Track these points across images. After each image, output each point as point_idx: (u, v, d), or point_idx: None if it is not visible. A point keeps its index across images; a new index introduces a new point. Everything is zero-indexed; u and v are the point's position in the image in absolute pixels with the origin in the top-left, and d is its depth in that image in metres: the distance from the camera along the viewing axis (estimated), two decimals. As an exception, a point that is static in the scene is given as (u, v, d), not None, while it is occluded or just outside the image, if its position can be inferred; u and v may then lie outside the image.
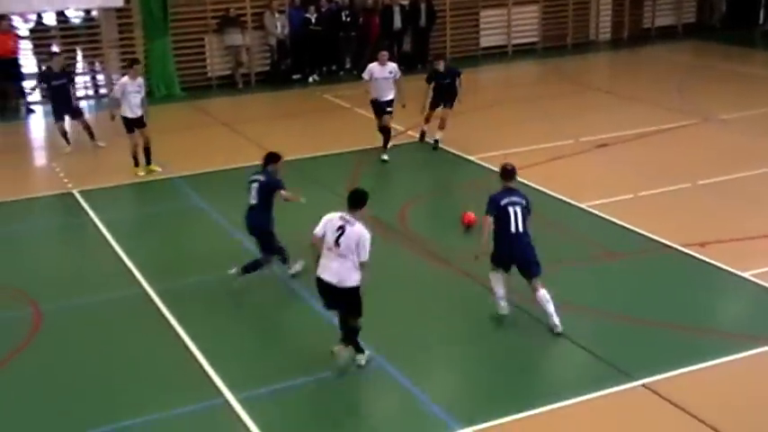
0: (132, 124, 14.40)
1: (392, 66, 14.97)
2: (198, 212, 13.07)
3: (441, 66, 15.46)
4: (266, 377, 8.45)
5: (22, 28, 21.00)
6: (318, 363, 8.47)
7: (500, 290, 9.33)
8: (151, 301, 10.10)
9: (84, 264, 11.45)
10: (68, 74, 16.90)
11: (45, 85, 16.87)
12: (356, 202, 8.34)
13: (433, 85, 15.40)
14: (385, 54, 15.09)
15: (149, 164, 14.69)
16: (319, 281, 8.37)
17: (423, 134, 15.91)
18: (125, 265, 11.09)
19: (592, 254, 11.05)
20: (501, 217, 9.03)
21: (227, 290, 10.12)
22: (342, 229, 8.18)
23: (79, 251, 12.00)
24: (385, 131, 14.98)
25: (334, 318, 8.69)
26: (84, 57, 21.45)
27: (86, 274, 11.11)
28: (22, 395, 8.34)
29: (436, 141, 15.48)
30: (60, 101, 16.02)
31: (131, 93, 14.18)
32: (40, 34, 20.82)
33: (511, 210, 9.01)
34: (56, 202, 13.75)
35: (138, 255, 11.33)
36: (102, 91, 21.24)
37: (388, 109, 14.85)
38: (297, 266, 10.41)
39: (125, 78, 14.39)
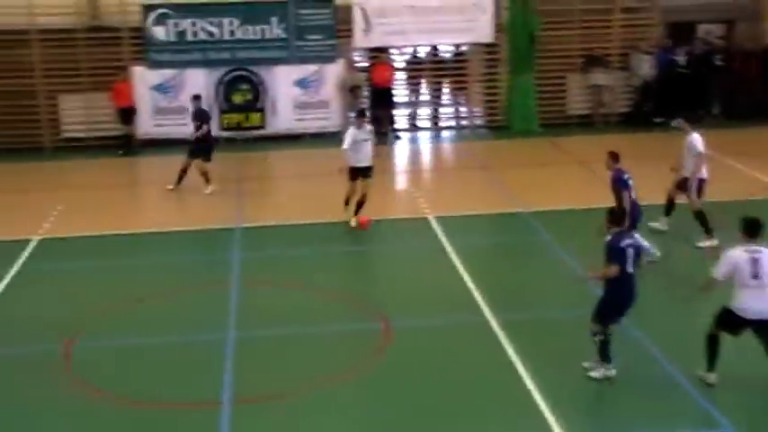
0: (359, 173, 13.96)
1: None
2: (545, 248, 13.06)
3: None
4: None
5: (398, 60, 22.56)
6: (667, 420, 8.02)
7: None
8: (492, 330, 10.23)
9: (433, 286, 11.88)
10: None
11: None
12: (756, 230, 8.49)
13: None
14: None
15: (356, 215, 14.04)
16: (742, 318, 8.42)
17: None
18: (470, 291, 11.36)
19: None
20: None
21: (571, 330, 9.95)
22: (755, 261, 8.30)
23: (429, 273, 12.49)
24: None
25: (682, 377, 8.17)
26: (451, 90, 22.50)
27: (434, 296, 11.54)
28: (371, 400, 8.83)
29: None
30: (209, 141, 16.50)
31: (361, 141, 13.87)
32: (412, 66, 22.28)
33: None
34: (412, 226, 14.46)
35: (483, 283, 11.56)
36: (464, 123, 22.19)
37: None
38: None
39: (352, 129, 14.07)
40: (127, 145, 19.78)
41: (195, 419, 8.46)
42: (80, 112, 20.06)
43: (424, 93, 22.66)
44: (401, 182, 18.37)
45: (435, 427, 8.31)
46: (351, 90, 20.26)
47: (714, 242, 12.43)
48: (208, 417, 8.43)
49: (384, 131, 20.91)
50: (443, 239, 13.33)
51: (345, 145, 13.80)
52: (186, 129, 20.01)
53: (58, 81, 19.85)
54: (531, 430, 8.17)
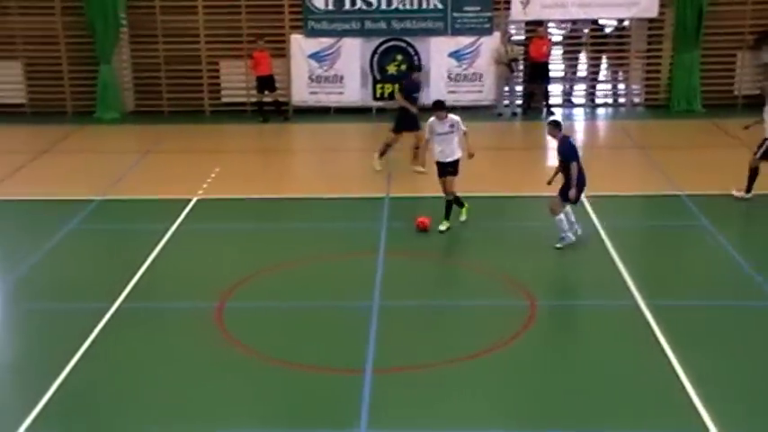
0: (445, 169, 12.71)
1: None
2: (702, 234, 12.50)
3: None
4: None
5: (556, 34, 22.04)
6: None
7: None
8: (642, 315, 9.89)
9: (582, 267, 11.60)
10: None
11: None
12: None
13: None
14: None
15: (448, 218, 12.74)
16: None
17: None
18: (621, 274, 11.02)
19: None
20: None
21: (726, 319, 9.52)
22: None
23: (579, 254, 12.16)
24: None
25: None
26: (609, 65, 21.83)
27: (582, 277, 11.30)
28: (512, 377, 8.73)
29: None
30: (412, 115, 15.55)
31: (439, 134, 12.62)
32: (570, 40, 21.74)
33: None
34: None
35: (635, 266, 11.19)
36: (621, 100, 21.50)
37: None
38: None
39: (432, 119, 12.77)
40: (277, 111, 20.17)
41: (337, 385, 8.59)
42: (239, 78, 20.67)
43: (582, 68, 22.09)
44: (552, 158, 17.97)
45: (577, 408, 8.12)
46: (507, 64, 19.97)
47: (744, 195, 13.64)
48: (349, 383, 8.55)
49: (538, 107, 20.54)
50: (594, 220, 12.97)
51: (427, 136, 12.88)
52: (340, 97, 20.44)
53: (220, 47, 20.49)
54: (680, 418, 7.86)
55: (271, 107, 20.08)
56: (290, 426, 7.92)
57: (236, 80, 20.71)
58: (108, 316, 9.93)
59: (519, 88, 21.02)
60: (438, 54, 20.27)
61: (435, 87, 20.16)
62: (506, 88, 20.61)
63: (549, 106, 20.61)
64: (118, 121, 20.20)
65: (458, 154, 12.68)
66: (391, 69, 20.35)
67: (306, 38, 20.31)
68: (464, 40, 20.24)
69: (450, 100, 20.10)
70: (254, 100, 20.42)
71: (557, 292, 10.67)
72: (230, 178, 15.39)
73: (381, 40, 20.25)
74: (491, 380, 8.69)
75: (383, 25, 20.17)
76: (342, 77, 20.41)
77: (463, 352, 9.15)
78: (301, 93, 20.57)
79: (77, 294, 10.64)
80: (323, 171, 16.53)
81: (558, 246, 11.84)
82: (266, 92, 20.02)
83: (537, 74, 20.33)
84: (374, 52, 20.32)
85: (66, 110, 20.71)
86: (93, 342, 9.34)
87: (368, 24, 20.17)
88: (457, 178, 12.74)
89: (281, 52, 20.46)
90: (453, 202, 12.78)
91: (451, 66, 20.28)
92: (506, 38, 20.24)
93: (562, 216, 11.85)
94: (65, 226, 12.87)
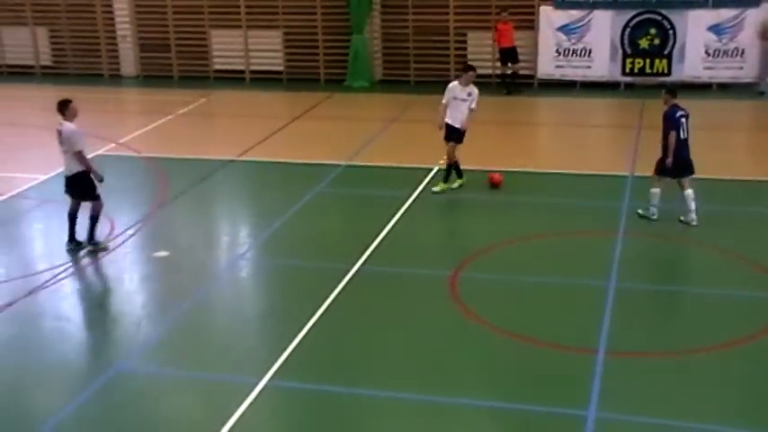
0: (451, 134, 13.06)
1: None
2: None
3: None
4: None
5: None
6: None
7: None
8: None
9: None
10: None
11: None
12: None
13: None
14: None
15: (446, 181, 13.20)
16: None
17: None
18: None
19: None
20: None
21: None
22: None
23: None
24: None
25: None
26: None
27: None
28: (748, 375, 8.21)
29: None
30: None
31: (459, 100, 12.89)
32: None
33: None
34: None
35: None
36: None
37: None
38: None
39: (455, 83, 13.13)
40: (513, 84, 19.99)
41: (568, 363, 8.45)
42: (486, 50, 20.65)
43: None
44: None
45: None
46: (772, 38, 18.60)
47: None
48: (581, 362, 8.38)
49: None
50: None
51: (444, 100, 13.04)
52: (588, 71, 19.89)
53: (469, 19, 20.57)
54: None
55: (511, 79, 19.98)
56: (517, 399, 7.89)
57: (482, 51, 20.73)
58: (348, 276, 10.34)
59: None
60: (696, 28, 19.20)
61: (691, 62, 19.15)
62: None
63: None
64: (367, 89, 20.86)
65: (461, 123, 12.98)
66: (643, 44, 19.54)
67: (555, 9, 19.92)
68: (727, 13, 19.05)
69: (705, 77, 19.12)
70: (498, 72, 20.36)
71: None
72: (471, 150, 15.46)
73: (635, 12, 19.46)
74: (730, 374, 8.20)
75: (638, -3, 19.41)
76: (590, 51, 19.87)
77: (704, 342, 8.69)
78: (547, 66, 20.25)
79: (321, 254, 11.15)
80: (568, 146, 16.20)
81: (640, 212, 11.76)
82: (509, 64, 19.89)
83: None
84: (626, 25, 19.57)
85: (318, 78, 21.67)
86: (335, 300, 9.76)
87: (622, -4, 19.49)
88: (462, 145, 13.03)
89: (529, 24, 20.22)
90: (454, 169, 13.09)
91: (710, 40, 19.15)
92: (774, 10, 18.81)
93: (657, 190, 11.62)
94: (313, 188, 13.50)
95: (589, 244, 11.37)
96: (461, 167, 13.31)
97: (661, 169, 11.63)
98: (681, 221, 11.58)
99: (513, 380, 8.25)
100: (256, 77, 22.04)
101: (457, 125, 13.04)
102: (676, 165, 11.46)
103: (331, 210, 13.01)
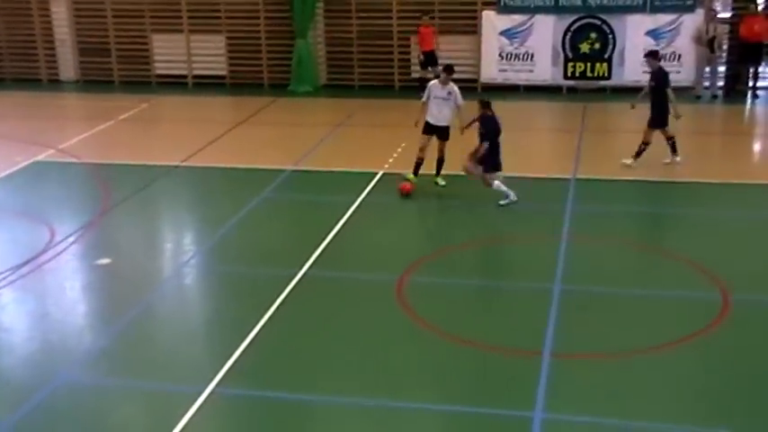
0: (432, 130, 13.32)
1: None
2: None
3: None
4: None
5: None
6: None
7: None
8: None
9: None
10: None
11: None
12: None
13: None
14: None
15: (438, 175, 13.53)
16: None
17: None
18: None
19: None
20: None
21: None
22: None
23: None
24: None
25: None
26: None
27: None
28: (693, 373, 8.36)
29: None
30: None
31: (439, 99, 13.16)
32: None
33: None
34: (763, 192, 13.34)
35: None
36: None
37: None
38: None
39: (434, 81, 13.55)
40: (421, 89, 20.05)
41: (514, 365, 8.52)
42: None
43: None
44: (757, 143, 16.99)
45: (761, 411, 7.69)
46: (707, 43, 18.97)
47: None
48: (526, 365, 8.46)
49: (743, 89, 19.39)
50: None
51: (424, 98, 13.32)
52: (530, 75, 20.10)
53: (412, 23, 20.63)
54: None
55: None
56: (464, 402, 7.93)
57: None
58: (294, 282, 10.29)
59: (722, 69, 19.92)
60: (635, 32, 19.53)
61: (631, 66, 19.47)
62: (707, 69, 19.57)
63: (755, 89, 19.43)
64: (311, 94, 20.81)
65: (448, 121, 13.22)
66: (584, 48, 19.83)
67: (498, 14, 20.12)
68: (664, 18, 19.40)
69: (644, 80, 19.42)
70: (417, 75, 20.34)
71: (754, 286, 10.05)
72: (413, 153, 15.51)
73: (575, 17, 19.75)
74: (670, 374, 8.35)
75: (578, 2, 19.64)
76: (533, 55, 20.08)
77: (646, 343, 8.84)
78: (490, 70, 20.41)
79: (267, 260, 11.09)
80: (508, 150, 16.30)
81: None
82: (429, 68, 19.95)
83: (749, 55, 19.17)
84: (567, 30, 19.84)
85: (262, 82, 21.56)
86: (280, 306, 9.72)
87: (562, 1, 19.71)
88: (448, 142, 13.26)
89: (472, 29, 20.37)
90: (415, 164, 13.29)
91: (648, 45, 19.45)
92: (710, 15, 19.19)
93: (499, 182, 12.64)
94: (258, 194, 13.42)
95: (533, 247, 11.49)
96: (442, 170, 13.45)
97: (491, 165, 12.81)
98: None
99: (460, 383, 8.30)
100: (199, 82, 21.84)
101: (441, 123, 13.25)
102: (495, 164, 12.67)
103: (277, 215, 12.94)
